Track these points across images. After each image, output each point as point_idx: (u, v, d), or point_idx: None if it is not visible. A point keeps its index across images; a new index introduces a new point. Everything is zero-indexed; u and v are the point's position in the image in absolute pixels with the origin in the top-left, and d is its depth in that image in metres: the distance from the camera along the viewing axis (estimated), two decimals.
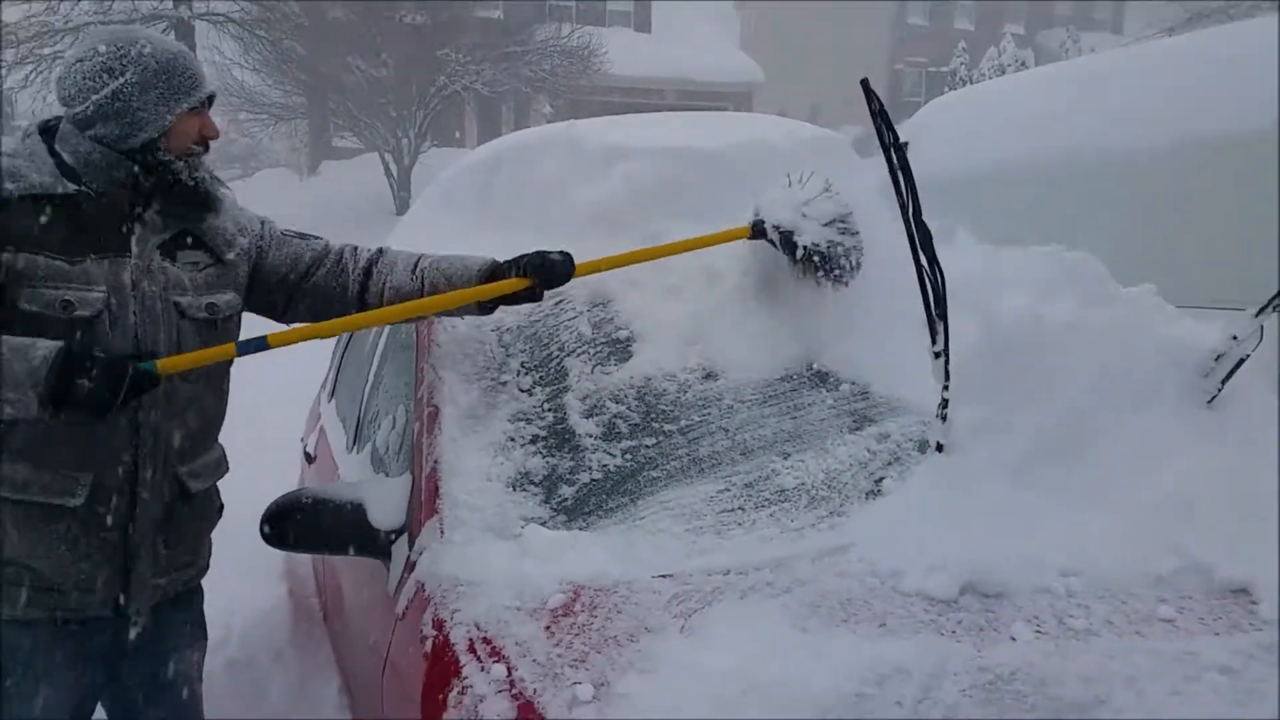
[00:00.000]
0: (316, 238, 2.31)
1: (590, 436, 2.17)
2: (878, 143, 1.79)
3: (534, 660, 1.55)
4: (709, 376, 2.35)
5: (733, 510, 2.01)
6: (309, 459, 3.83)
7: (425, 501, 2.05)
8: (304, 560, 3.69)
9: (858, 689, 1.41)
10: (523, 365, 2.37)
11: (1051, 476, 1.82)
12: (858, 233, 2.40)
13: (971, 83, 18.16)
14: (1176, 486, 1.80)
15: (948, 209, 4.49)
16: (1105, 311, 1.93)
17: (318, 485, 2.37)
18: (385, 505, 2.11)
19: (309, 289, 2.23)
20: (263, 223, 2.25)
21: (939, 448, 1.88)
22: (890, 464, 2.12)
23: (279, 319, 2.27)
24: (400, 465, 2.37)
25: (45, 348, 1.76)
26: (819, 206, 2.38)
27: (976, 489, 1.80)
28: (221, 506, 2.30)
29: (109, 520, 1.97)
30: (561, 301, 2.57)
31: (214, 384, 2.15)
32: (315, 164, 26.47)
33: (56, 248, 1.88)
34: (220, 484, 2.28)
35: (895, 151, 1.66)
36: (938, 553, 1.69)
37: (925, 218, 1.77)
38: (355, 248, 2.29)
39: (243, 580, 3.42)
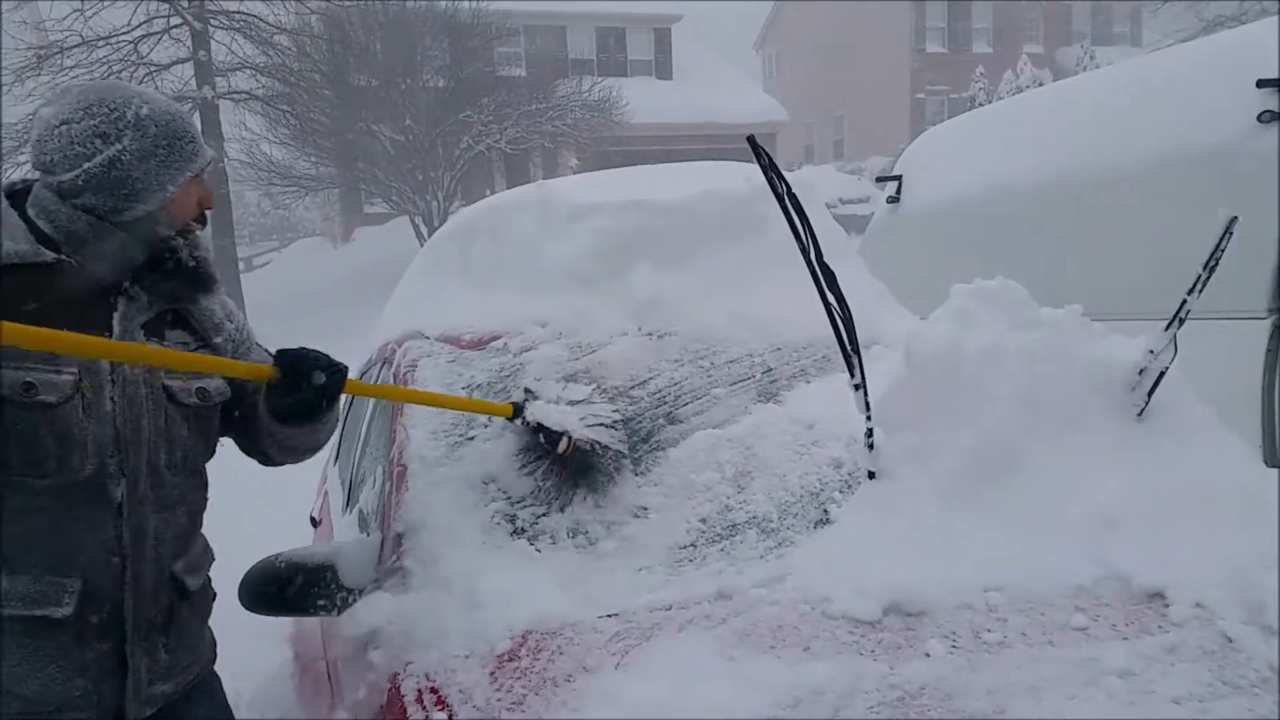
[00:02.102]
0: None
1: (551, 481, 2.25)
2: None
3: (474, 706, 1.62)
4: (669, 412, 2.43)
5: (685, 546, 2.08)
6: (314, 524, 3.95)
7: (388, 557, 2.14)
8: (313, 621, 3.78)
9: (773, 713, 1.47)
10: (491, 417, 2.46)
11: (979, 496, 1.88)
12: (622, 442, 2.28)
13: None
14: (1101, 499, 1.85)
15: (937, 241, 4.59)
16: (1026, 334, 1.99)
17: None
18: (356, 564, 2.19)
19: (251, 404, 2.02)
20: (244, 318, 2.10)
21: (870, 475, 1.95)
22: (842, 491, 2.18)
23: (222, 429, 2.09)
24: (378, 524, 2.46)
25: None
26: (587, 408, 2.28)
27: (906, 512, 1.87)
28: (215, 595, 2.15)
29: (102, 629, 1.77)
30: (531, 350, 2.66)
31: (199, 475, 2.00)
32: (349, 231, 27.06)
33: (24, 322, 1.57)
34: (237, 556, 2.23)
35: (790, 200, 1.74)
36: (865, 576, 1.75)
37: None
38: None
39: (252, 645, 3.52)
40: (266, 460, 2.18)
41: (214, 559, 2.12)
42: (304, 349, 1.87)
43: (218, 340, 1.97)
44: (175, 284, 1.88)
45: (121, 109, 1.76)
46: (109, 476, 1.76)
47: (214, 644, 2.15)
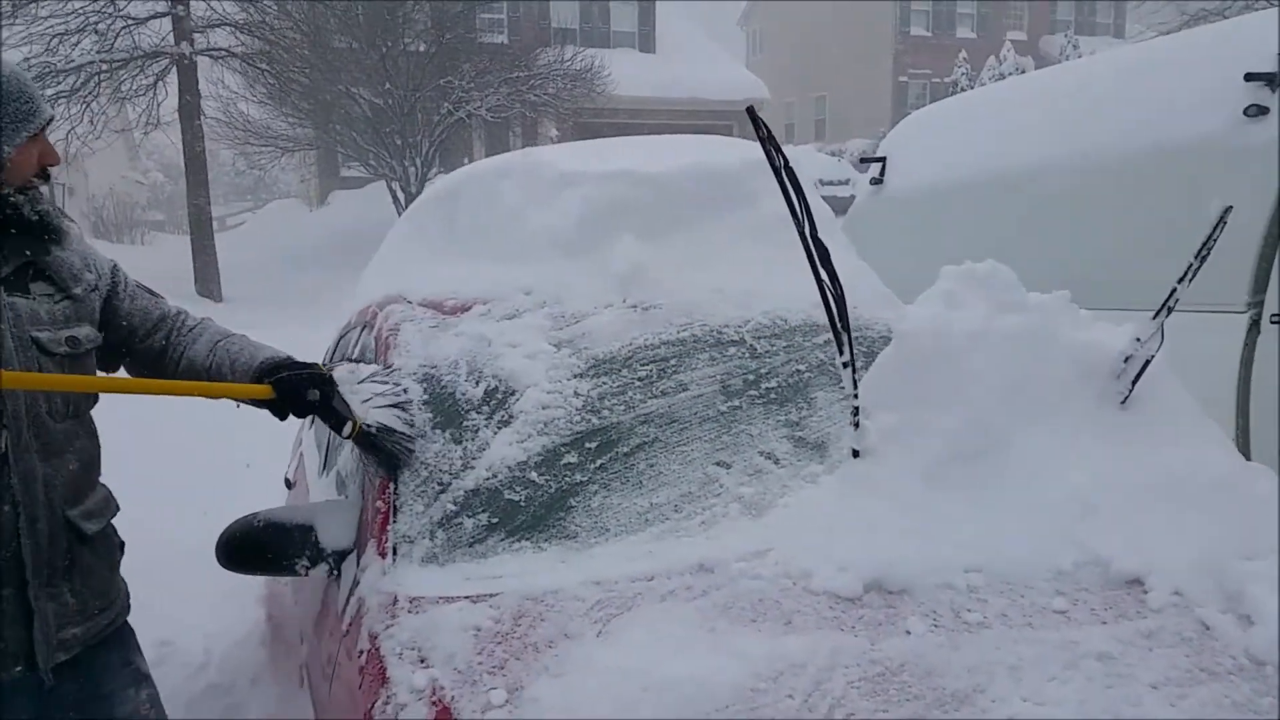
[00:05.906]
0: (163, 297, 2.22)
1: (535, 456, 2.24)
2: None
3: (456, 669, 1.62)
4: (654, 391, 2.42)
5: (668, 519, 2.08)
6: (289, 485, 3.92)
7: (370, 521, 2.12)
8: (285, 583, 3.77)
9: (753, 684, 1.48)
10: (475, 384, 2.43)
11: (962, 478, 1.89)
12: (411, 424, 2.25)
13: None
14: (1082, 484, 1.86)
15: (919, 224, 4.59)
16: (1014, 318, 2.00)
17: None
18: (335, 526, 2.19)
19: (145, 349, 2.13)
20: (115, 268, 2.12)
21: (855, 454, 1.96)
22: (823, 471, 2.19)
23: (108, 370, 2.15)
24: (357, 486, 2.44)
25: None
26: (370, 387, 2.23)
27: (889, 492, 1.88)
28: (122, 545, 2.17)
29: (1, 576, 1.82)
30: (514, 317, 2.64)
31: (84, 421, 2.02)
32: (325, 194, 26.75)
33: None
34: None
35: (787, 174, 1.74)
36: (847, 553, 1.76)
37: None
38: (187, 314, 2.23)
39: (224, 605, 3.52)
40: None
41: (117, 509, 2.14)
42: (294, 370, 2.05)
43: (77, 290, 1.99)
44: (24, 239, 1.91)
45: None
46: None
47: (127, 594, 2.16)
